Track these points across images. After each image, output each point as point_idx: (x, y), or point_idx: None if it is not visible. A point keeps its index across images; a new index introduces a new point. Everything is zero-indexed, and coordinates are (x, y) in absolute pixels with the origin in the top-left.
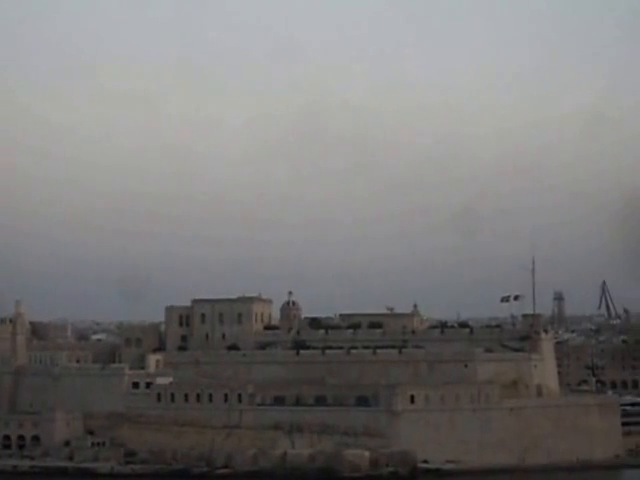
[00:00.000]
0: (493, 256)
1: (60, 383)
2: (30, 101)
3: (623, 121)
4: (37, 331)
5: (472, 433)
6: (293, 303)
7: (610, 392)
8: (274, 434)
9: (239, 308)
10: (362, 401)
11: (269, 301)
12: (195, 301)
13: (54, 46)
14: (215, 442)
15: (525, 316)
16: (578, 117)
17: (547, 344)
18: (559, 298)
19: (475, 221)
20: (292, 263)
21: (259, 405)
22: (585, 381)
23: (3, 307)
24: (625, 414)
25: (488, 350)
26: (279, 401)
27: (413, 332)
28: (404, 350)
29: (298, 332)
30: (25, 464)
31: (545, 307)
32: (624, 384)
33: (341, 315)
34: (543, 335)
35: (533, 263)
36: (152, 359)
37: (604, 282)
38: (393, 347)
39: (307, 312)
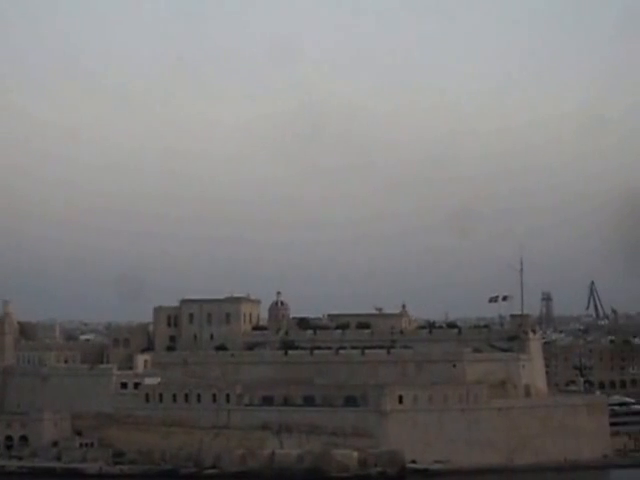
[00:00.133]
0: (485, 257)
1: (48, 383)
2: (28, 101)
3: (622, 121)
4: (25, 331)
5: (460, 433)
6: (281, 303)
7: (598, 392)
8: (262, 434)
9: (227, 308)
10: (350, 401)
11: (257, 301)
12: (183, 301)
13: (52, 46)
14: (203, 442)
15: (513, 316)
16: (577, 117)
17: (535, 344)
18: (547, 298)
19: (471, 221)
20: (280, 263)
21: (247, 405)
22: (573, 381)
23: None
24: (613, 414)
25: (476, 350)
26: (267, 401)
27: (401, 332)
28: (392, 350)
29: (286, 332)
30: (13, 464)
31: (533, 307)
32: (612, 384)
33: (329, 315)
34: (531, 335)
35: (521, 263)
36: (140, 359)
37: (592, 283)
38: (381, 347)
39: (295, 312)
